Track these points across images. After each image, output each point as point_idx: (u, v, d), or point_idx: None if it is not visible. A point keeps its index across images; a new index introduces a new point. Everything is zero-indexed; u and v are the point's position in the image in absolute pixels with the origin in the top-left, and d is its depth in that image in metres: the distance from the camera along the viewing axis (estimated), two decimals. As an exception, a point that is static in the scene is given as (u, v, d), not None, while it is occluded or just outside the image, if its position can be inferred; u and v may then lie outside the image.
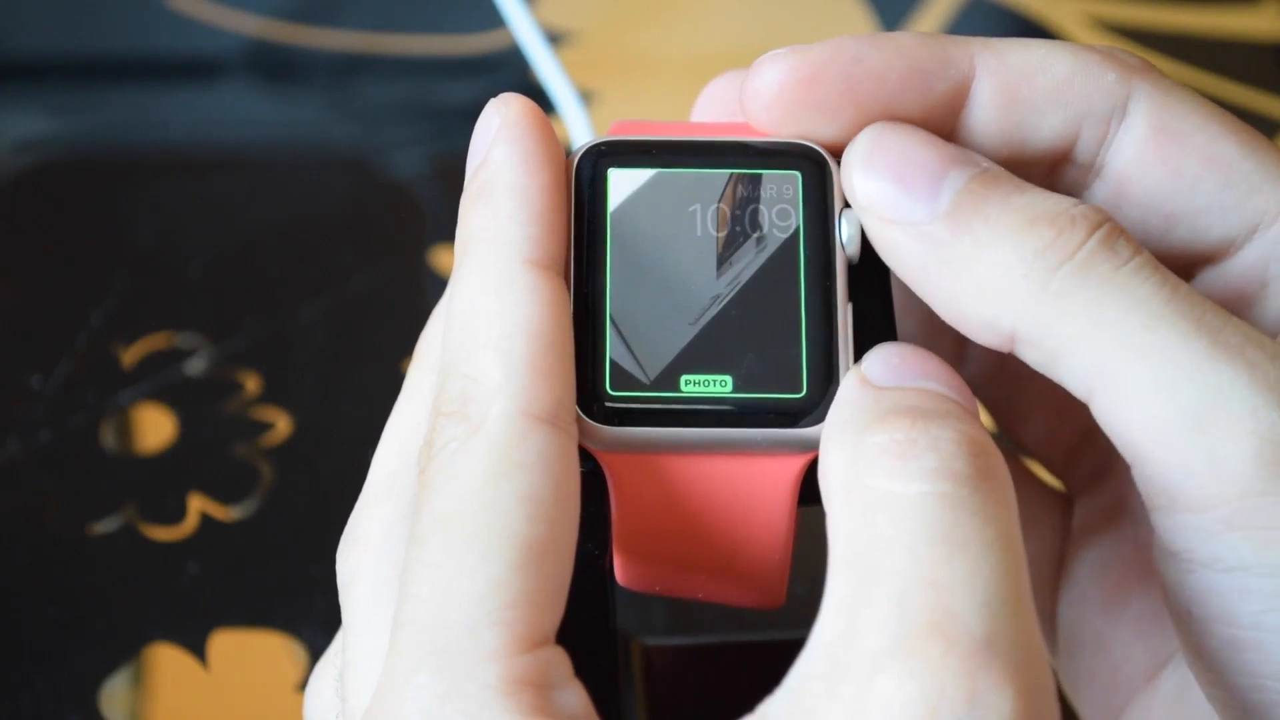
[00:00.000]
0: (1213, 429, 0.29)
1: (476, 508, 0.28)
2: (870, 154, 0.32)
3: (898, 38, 0.33)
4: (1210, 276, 0.33)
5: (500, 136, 0.31)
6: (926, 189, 0.31)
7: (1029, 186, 0.31)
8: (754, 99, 0.33)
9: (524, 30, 0.59)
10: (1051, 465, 0.39)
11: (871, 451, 0.29)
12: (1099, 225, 0.30)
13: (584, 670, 0.29)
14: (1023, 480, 0.40)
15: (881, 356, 0.31)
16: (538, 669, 0.28)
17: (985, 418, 0.41)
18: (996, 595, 0.27)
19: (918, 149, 0.32)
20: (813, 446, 0.31)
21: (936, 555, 0.27)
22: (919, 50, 0.33)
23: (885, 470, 0.28)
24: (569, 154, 0.33)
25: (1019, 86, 0.33)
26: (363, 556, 0.32)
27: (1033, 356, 0.31)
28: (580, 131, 0.56)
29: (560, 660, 0.28)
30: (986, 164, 0.32)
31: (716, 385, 0.31)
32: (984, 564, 0.27)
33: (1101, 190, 0.34)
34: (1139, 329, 0.29)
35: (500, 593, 0.28)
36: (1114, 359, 0.29)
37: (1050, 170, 0.34)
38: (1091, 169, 0.34)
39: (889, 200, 0.31)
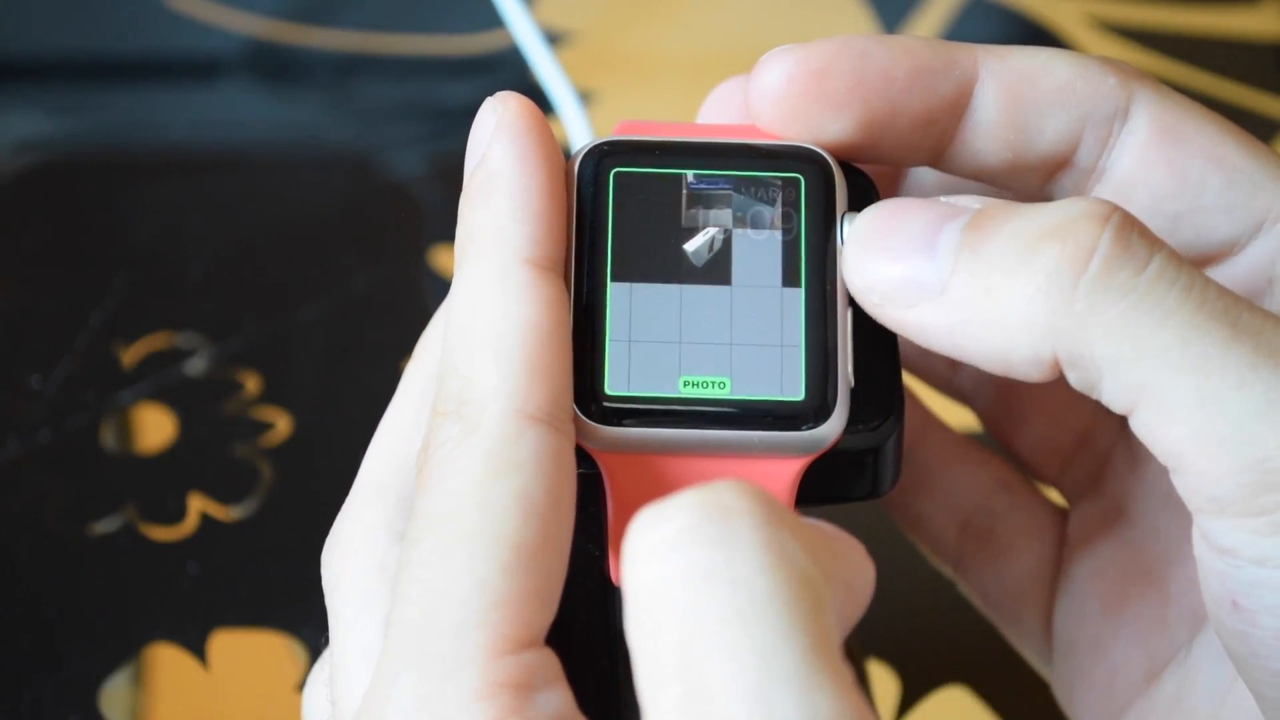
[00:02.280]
0: (1264, 438, 0.29)
1: (469, 508, 0.29)
2: (862, 243, 0.31)
3: (902, 38, 0.33)
4: (1215, 276, 0.33)
5: (497, 136, 0.31)
6: (926, 258, 0.31)
7: (1022, 206, 0.31)
8: (761, 95, 0.33)
9: (523, 30, 0.59)
10: (1046, 472, 0.39)
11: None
12: (1105, 221, 0.30)
13: (584, 671, 0.29)
14: (1018, 488, 0.40)
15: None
16: (520, 671, 0.28)
17: (977, 424, 0.41)
18: (764, 678, 0.25)
19: (904, 220, 0.31)
20: (811, 449, 0.31)
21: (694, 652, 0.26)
22: (924, 50, 0.33)
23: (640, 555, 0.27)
24: (569, 154, 0.33)
25: (1023, 88, 0.33)
26: (345, 560, 0.32)
27: (1076, 379, 0.30)
28: (579, 132, 0.56)
29: (547, 662, 0.28)
30: (975, 203, 0.31)
31: (715, 387, 0.31)
32: (743, 641, 0.25)
33: (1103, 194, 0.34)
34: (1176, 344, 0.29)
35: (487, 594, 0.28)
36: (1153, 377, 0.29)
37: (1049, 175, 0.34)
38: (1093, 173, 0.34)
39: (896, 286, 0.31)
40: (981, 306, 0.30)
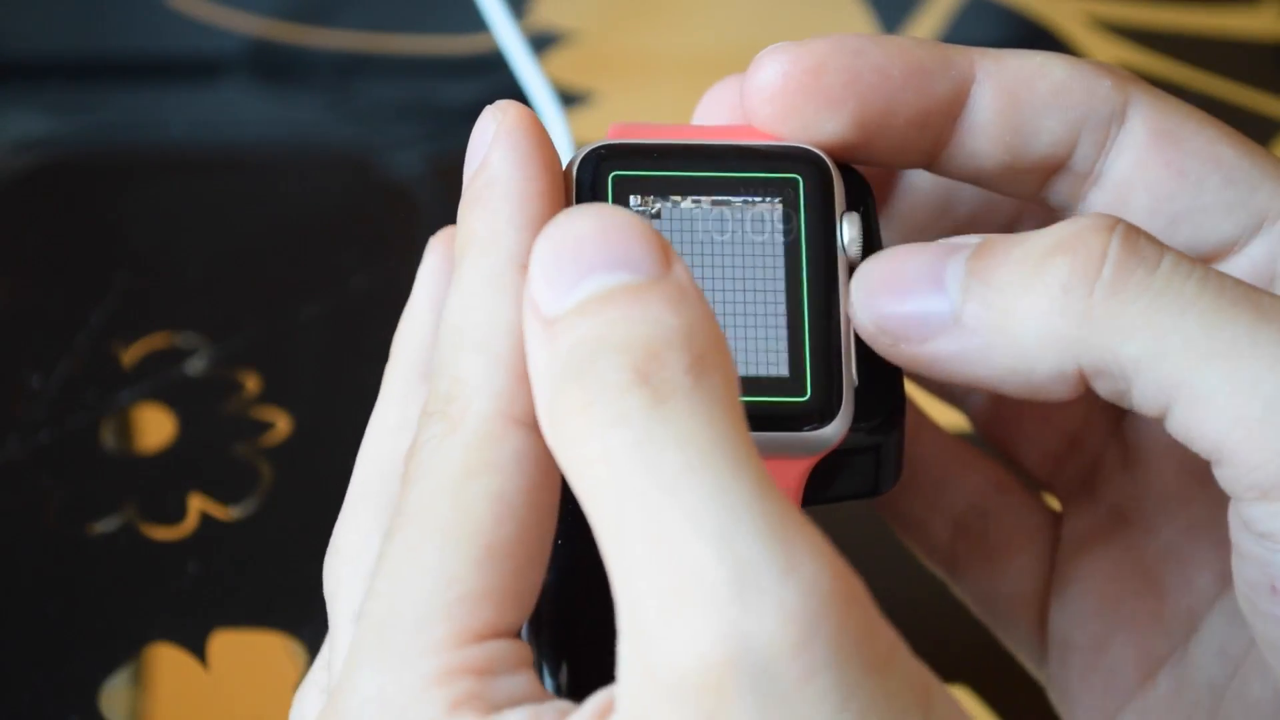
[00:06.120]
0: None
1: (443, 505, 0.29)
2: (868, 289, 0.32)
3: (897, 38, 0.33)
4: None
5: (497, 142, 0.31)
6: (933, 292, 0.31)
7: (1022, 234, 0.31)
8: (756, 92, 0.33)
9: (507, 37, 0.59)
10: (1039, 473, 0.39)
11: (561, 417, 0.27)
12: (1111, 230, 0.30)
13: (589, 671, 0.29)
14: (1011, 489, 0.40)
15: (539, 259, 0.28)
16: (482, 658, 0.28)
17: (963, 424, 0.41)
18: (721, 522, 0.25)
19: (907, 261, 0.31)
20: (817, 449, 0.32)
21: (647, 507, 0.26)
22: (920, 50, 0.33)
23: (579, 437, 0.27)
24: (570, 160, 0.33)
25: (1019, 90, 0.33)
26: (342, 567, 0.32)
27: (1105, 388, 0.30)
28: (561, 139, 0.56)
29: (514, 650, 0.28)
30: (974, 239, 0.31)
31: (718, 388, 0.31)
32: (689, 496, 0.26)
33: (1100, 198, 0.34)
34: (1201, 333, 0.29)
35: (454, 588, 0.28)
36: (1184, 370, 0.29)
37: (1046, 178, 0.34)
38: (1089, 177, 0.34)
39: (908, 323, 0.31)
40: (998, 330, 0.30)
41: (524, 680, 0.28)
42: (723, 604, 0.25)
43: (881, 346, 0.32)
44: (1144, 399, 0.30)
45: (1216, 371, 0.29)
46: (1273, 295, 0.30)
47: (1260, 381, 0.29)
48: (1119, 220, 0.30)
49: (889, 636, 0.26)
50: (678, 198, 0.33)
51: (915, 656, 0.26)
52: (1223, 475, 0.30)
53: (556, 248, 0.28)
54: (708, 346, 0.27)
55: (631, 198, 0.33)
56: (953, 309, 0.31)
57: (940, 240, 0.32)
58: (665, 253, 0.28)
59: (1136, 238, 0.30)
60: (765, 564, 0.25)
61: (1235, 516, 0.31)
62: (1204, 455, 0.30)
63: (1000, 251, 0.31)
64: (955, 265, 0.31)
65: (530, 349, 0.28)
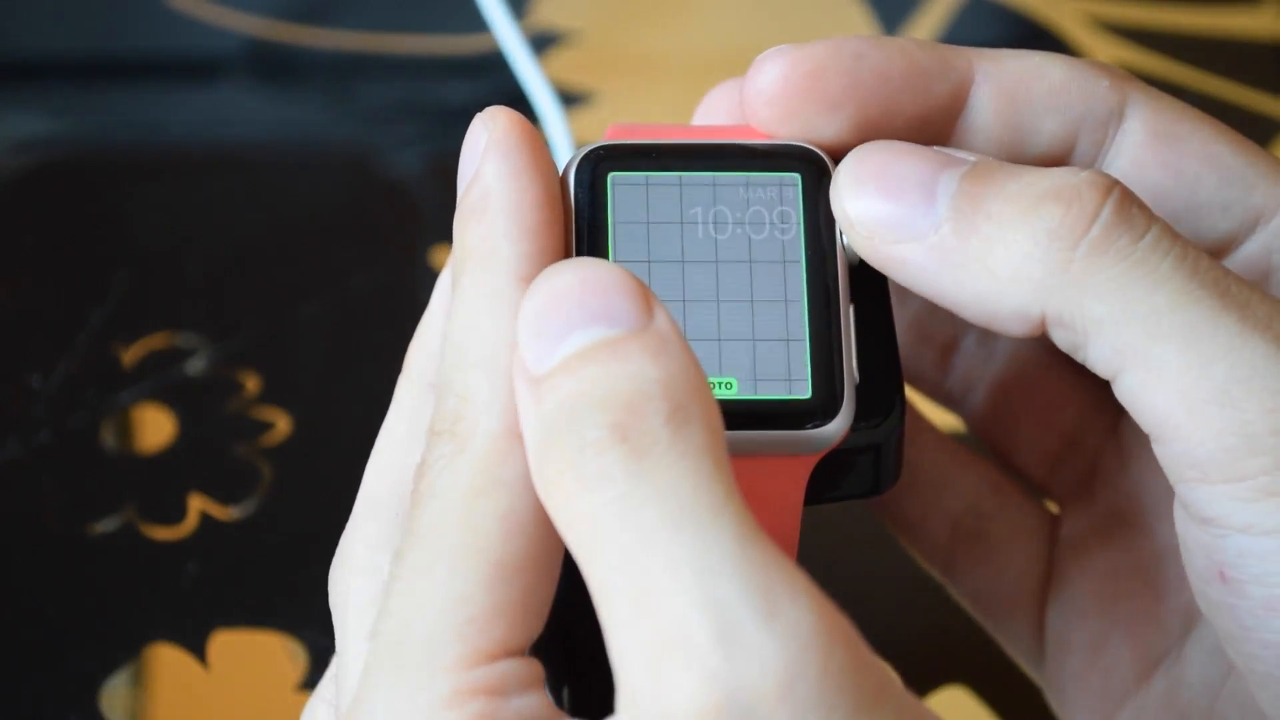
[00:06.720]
0: (1247, 403, 0.29)
1: (453, 524, 0.29)
2: (857, 177, 0.32)
3: (897, 40, 0.33)
4: None
5: (489, 152, 0.31)
6: (921, 199, 0.31)
7: (1023, 168, 0.31)
8: (756, 95, 0.33)
9: (507, 37, 0.59)
10: (1036, 474, 0.40)
11: (549, 477, 0.28)
12: (1109, 191, 0.30)
13: (589, 689, 0.29)
14: (1008, 490, 0.40)
15: (525, 318, 0.28)
16: (494, 678, 0.28)
17: (958, 425, 0.41)
18: (701, 573, 0.26)
19: (902, 161, 0.32)
20: (819, 447, 0.32)
21: (630, 562, 0.26)
22: (919, 52, 0.33)
23: (565, 495, 0.27)
24: (569, 161, 0.33)
25: (1017, 91, 0.33)
26: (350, 579, 0.32)
27: (1062, 338, 0.31)
28: (562, 142, 0.56)
29: (526, 669, 0.28)
30: (973, 157, 0.32)
31: (721, 388, 0.32)
32: (670, 549, 0.26)
33: None
34: (1166, 308, 0.30)
35: (465, 607, 0.28)
36: (1143, 340, 0.30)
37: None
38: None
39: (887, 222, 0.31)
40: (975, 255, 0.31)
41: (536, 699, 0.28)
42: (705, 655, 0.25)
43: (853, 236, 0.32)
44: (1098, 358, 0.30)
45: (1171, 349, 0.29)
46: (1241, 283, 0.30)
47: (1211, 365, 0.29)
48: (1117, 182, 0.31)
49: (878, 674, 0.26)
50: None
51: (908, 690, 0.26)
52: (1163, 454, 0.30)
53: (539, 306, 0.28)
54: (687, 395, 0.27)
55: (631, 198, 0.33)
56: (935, 222, 0.31)
57: (937, 148, 0.32)
58: (646, 302, 0.28)
59: (1130, 204, 0.30)
60: (746, 612, 0.25)
61: (1179, 505, 0.31)
62: (1146, 428, 0.30)
63: (997, 180, 0.31)
64: (949, 179, 0.31)
65: (520, 409, 0.28)
